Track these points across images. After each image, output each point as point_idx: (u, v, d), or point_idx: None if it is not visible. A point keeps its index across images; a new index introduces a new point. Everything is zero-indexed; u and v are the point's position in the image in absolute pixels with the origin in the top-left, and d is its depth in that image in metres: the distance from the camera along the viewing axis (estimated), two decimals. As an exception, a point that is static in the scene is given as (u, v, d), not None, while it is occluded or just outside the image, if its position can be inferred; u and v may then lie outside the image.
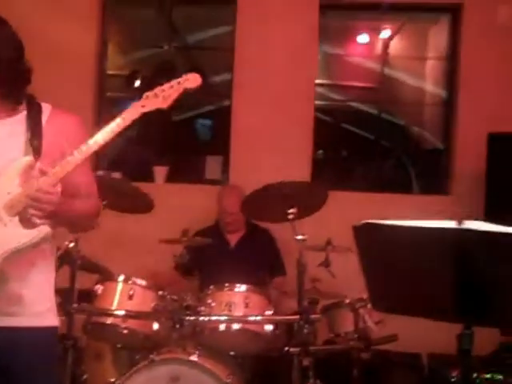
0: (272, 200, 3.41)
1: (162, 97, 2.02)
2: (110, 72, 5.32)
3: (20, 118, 2.13)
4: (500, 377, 3.77)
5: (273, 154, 4.75)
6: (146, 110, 2.01)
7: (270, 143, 4.81)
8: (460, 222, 1.76)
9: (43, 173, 1.95)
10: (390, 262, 1.88)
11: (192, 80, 2.05)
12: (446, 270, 1.79)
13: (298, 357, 3.17)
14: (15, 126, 2.12)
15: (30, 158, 2.04)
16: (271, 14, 4.92)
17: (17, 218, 1.97)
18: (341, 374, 3.90)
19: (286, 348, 3.16)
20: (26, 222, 1.96)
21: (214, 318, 3.33)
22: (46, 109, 2.19)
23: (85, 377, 3.58)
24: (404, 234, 1.82)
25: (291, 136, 4.82)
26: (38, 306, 2.13)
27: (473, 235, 1.73)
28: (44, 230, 1.98)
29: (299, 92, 4.90)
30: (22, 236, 1.97)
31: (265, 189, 3.46)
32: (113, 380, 3.27)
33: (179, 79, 2.06)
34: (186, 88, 2.04)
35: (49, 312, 2.18)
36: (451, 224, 1.76)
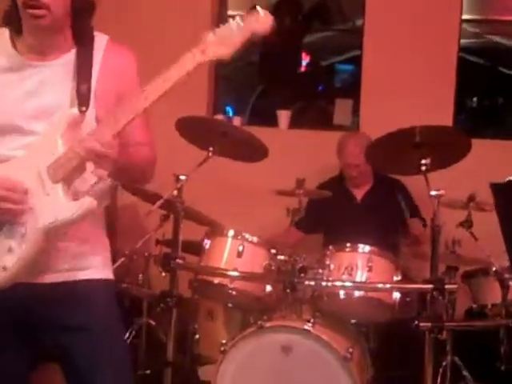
0: (402, 148, 2.88)
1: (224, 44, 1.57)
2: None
3: (70, 58, 1.75)
4: None
5: (408, 99, 4.14)
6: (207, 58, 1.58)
7: (406, 86, 4.21)
8: None
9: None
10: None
11: (262, 21, 1.54)
12: None
13: (431, 333, 2.70)
14: (65, 68, 1.75)
15: (75, 112, 1.67)
16: None
17: (60, 187, 1.64)
18: (485, 353, 3.38)
19: (416, 322, 2.69)
20: (70, 190, 1.64)
21: (336, 283, 2.94)
22: (101, 43, 1.80)
23: (197, 336, 3.37)
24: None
25: (430, 79, 4.18)
26: (96, 259, 1.85)
27: None
28: (87, 202, 1.62)
29: (440, 30, 4.20)
30: (63, 210, 1.63)
31: (393, 135, 2.91)
32: (223, 342, 2.97)
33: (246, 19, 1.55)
34: (253, 32, 1.54)
35: (106, 266, 1.90)
36: None
